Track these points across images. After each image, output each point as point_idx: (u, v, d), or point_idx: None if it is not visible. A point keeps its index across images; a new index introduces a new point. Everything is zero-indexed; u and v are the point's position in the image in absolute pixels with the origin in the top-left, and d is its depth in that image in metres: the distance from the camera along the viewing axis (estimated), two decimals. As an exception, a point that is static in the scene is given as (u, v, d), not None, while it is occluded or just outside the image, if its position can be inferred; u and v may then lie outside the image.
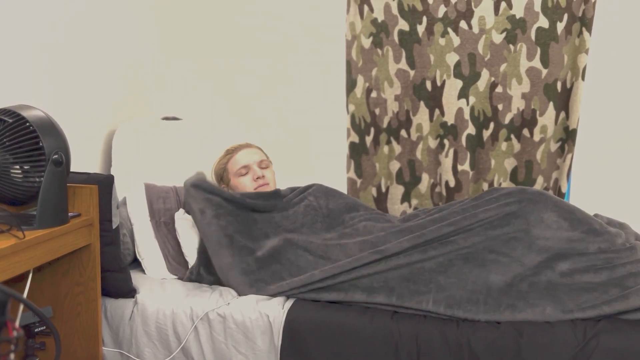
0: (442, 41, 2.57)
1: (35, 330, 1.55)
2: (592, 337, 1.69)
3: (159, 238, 2.24)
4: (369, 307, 1.88)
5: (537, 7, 2.48)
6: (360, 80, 2.69)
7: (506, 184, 2.66)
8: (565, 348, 1.68)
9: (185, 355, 1.88)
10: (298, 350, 1.79)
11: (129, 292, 1.97)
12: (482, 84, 2.58)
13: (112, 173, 2.48)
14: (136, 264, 2.26)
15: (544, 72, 2.52)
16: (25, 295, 1.58)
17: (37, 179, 1.54)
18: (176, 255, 2.24)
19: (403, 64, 2.64)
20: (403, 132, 2.71)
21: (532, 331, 1.72)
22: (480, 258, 1.87)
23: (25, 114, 1.53)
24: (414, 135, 2.70)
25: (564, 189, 2.59)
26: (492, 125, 2.61)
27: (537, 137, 2.58)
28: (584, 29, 2.46)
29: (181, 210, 2.28)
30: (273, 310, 1.85)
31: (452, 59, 2.57)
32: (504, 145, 2.62)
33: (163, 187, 2.41)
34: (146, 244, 2.22)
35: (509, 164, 2.64)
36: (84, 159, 2.38)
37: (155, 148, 2.61)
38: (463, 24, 2.54)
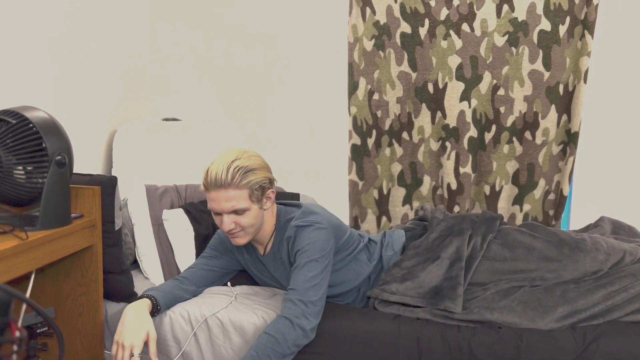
0: (444, 44, 2.57)
1: (38, 331, 1.55)
2: (592, 341, 1.68)
3: (157, 239, 2.24)
4: (370, 311, 1.88)
5: (539, 10, 2.49)
6: (362, 82, 2.69)
7: (508, 186, 2.66)
8: (565, 352, 1.68)
9: (184, 359, 1.87)
10: (297, 353, 1.79)
11: (130, 295, 1.96)
12: (484, 86, 2.58)
13: (113, 174, 2.48)
14: (137, 264, 2.27)
15: (546, 75, 2.52)
16: (27, 296, 1.59)
17: (40, 180, 1.54)
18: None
19: (405, 67, 2.64)
20: (405, 135, 2.71)
21: (531, 335, 1.72)
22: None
23: (28, 115, 1.54)
24: (415, 138, 2.70)
25: (565, 192, 2.59)
26: (494, 127, 2.61)
27: (539, 139, 2.58)
28: (586, 31, 2.46)
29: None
30: (272, 314, 1.85)
31: (454, 61, 2.57)
32: (505, 148, 2.62)
33: (164, 187, 2.42)
34: (146, 246, 2.22)
35: (511, 166, 2.64)
36: (85, 160, 2.39)
37: (156, 149, 2.61)
38: (465, 27, 2.54)
